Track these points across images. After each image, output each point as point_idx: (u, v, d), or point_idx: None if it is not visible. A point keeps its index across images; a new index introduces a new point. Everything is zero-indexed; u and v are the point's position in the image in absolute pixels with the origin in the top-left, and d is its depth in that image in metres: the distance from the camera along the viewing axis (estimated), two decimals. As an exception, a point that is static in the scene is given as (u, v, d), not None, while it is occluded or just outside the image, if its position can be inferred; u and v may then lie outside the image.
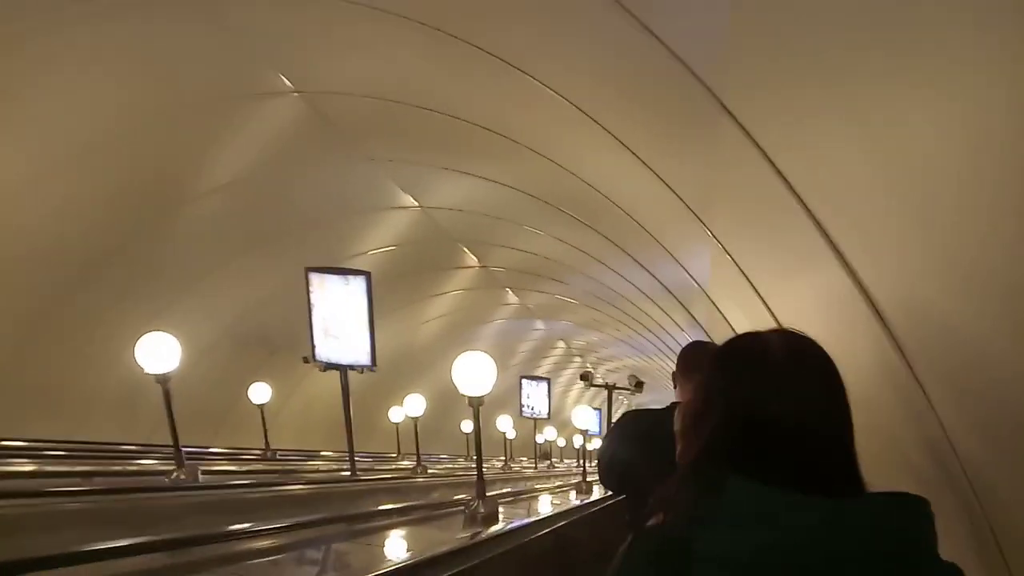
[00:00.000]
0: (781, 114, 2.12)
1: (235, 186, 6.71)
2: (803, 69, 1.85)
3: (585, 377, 8.00)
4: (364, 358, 6.04)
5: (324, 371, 6.47)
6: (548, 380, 11.73)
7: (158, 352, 4.51)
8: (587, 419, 7.11)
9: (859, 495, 1.03)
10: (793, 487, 0.97)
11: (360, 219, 8.66)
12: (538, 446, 14.32)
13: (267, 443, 8.09)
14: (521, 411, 11.74)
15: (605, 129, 4.05)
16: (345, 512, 4.26)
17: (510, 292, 12.72)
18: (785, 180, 2.20)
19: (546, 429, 15.30)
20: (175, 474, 4.45)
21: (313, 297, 6.02)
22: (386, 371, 11.93)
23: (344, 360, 6.11)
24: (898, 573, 0.93)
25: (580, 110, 4.06)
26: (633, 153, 4.04)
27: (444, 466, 10.36)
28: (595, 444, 15.52)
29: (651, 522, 1.10)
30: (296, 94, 5.70)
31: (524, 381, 11.92)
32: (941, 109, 1.35)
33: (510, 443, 14.40)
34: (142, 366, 4.48)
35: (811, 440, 1.03)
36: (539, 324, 14.85)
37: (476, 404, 3.85)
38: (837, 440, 1.07)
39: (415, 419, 8.18)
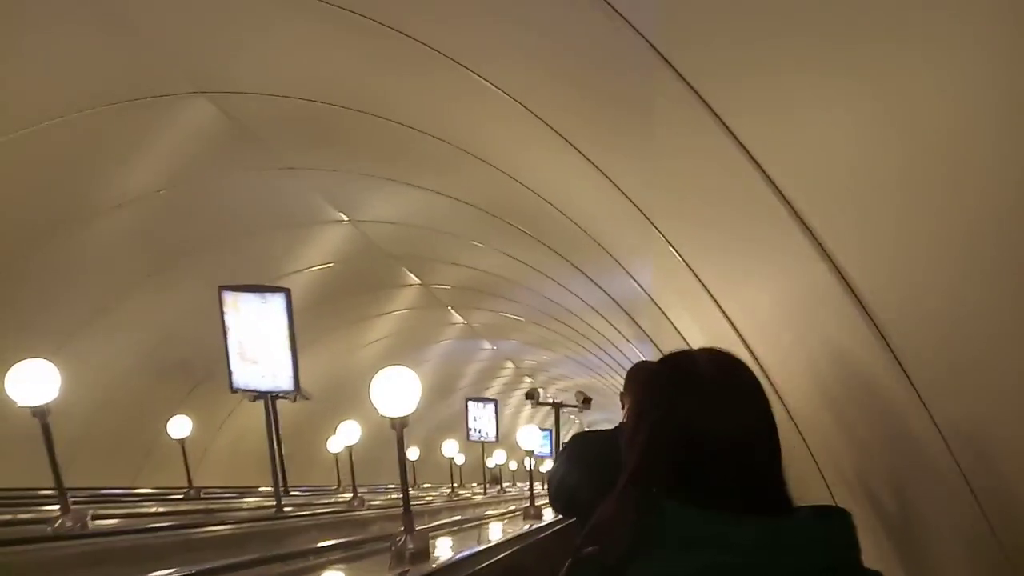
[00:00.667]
0: (756, 99, 1.92)
1: (143, 201, 6.16)
2: (779, 50, 1.67)
3: (531, 395, 7.60)
4: (286, 383, 5.54)
5: (253, 401, 6.05)
6: (495, 401, 11.28)
7: (33, 382, 4.04)
8: (533, 440, 6.72)
9: (787, 511, 1.05)
10: (722, 506, 0.99)
11: (286, 235, 8.13)
12: (487, 471, 13.85)
13: (190, 481, 7.46)
14: (468, 435, 11.26)
15: (549, 126, 3.68)
16: (263, 554, 3.75)
17: (453, 312, 12.30)
18: (762, 171, 1.97)
19: (495, 452, 14.81)
20: (59, 521, 3.90)
21: (228, 319, 5.51)
22: (324, 398, 11.41)
23: (264, 387, 5.60)
24: None
25: (523, 106, 3.67)
26: (579, 151, 3.67)
27: (388, 496, 9.80)
28: (546, 466, 15.14)
29: (587, 549, 1.08)
30: (203, 95, 5.19)
31: (470, 403, 11.47)
32: (932, 90, 1.24)
33: (458, 469, 13.91)
34: (14, 398, 4.01)
35: (740, 456, 1.05)
36: (486, 344, 14.45)
37: (399, 426, 3.41)
38: (765, 456, 1.08)
39: (350, 448, 7.64)
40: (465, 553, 3.94)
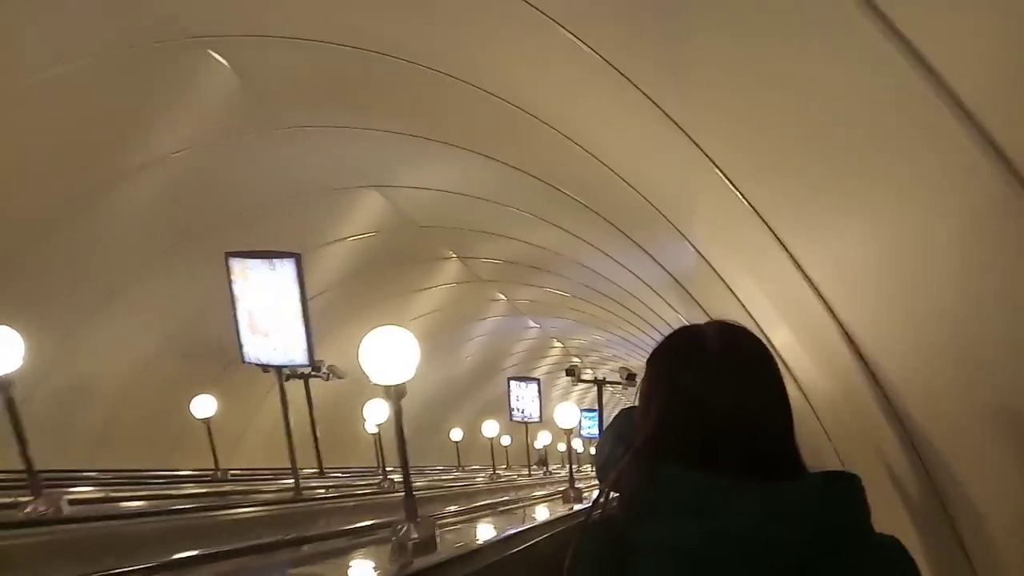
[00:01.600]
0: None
1: (167, 166, 5.83)
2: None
3: (571, 372, 7.05)
4: (300, 356, 5.13)
5: (287, 380, 5.76)
6: (538, 381, 10.78)
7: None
8: (570, 418, 6.19)
9: (796, 478, 1.04)
10: (733, 474, 1.00)
11: (320, 204, 7.65)
12: (532, 452, 13.41)
13: (216, 463, 7.17)
14: (511, 416, 10.78)
15: (614, 68, 3.04)
16: (246, 544, 3.33)
17: (496, 291, 11.83)
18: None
19: (540, 434, 14.33)
20: (31, 506, 3.54)
21: (236, 288, 5.12)
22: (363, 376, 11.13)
23: (276, 360, 5.19)
24: (839, 549, 0.95)
25: (582, 42, 3.06)
26: (650, 100, 2.99)
27: (426, 479, 9.41)
28: (576, 443, 14.49)
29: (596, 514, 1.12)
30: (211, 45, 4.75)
31: (512, 383, 10.98)
32: None
33: (504, 450, 13.50)
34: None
35: (749, 427, 1.05)
36: (531, 323, 13.95)
37: (395, 396, 2.93)
38: (774, 426, 1.08)
39: (378, 428, 7.28)
40: (482, 541, 3.45)
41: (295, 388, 7.06)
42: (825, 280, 2.50)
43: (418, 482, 9.19)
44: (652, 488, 1.02)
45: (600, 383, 7.21)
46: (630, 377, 6.85)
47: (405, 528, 3.09)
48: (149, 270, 7.09)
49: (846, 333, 2.43)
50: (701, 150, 2.88)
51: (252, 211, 7.23)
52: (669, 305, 6.68)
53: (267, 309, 5.09)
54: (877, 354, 2.27)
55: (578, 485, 6.27)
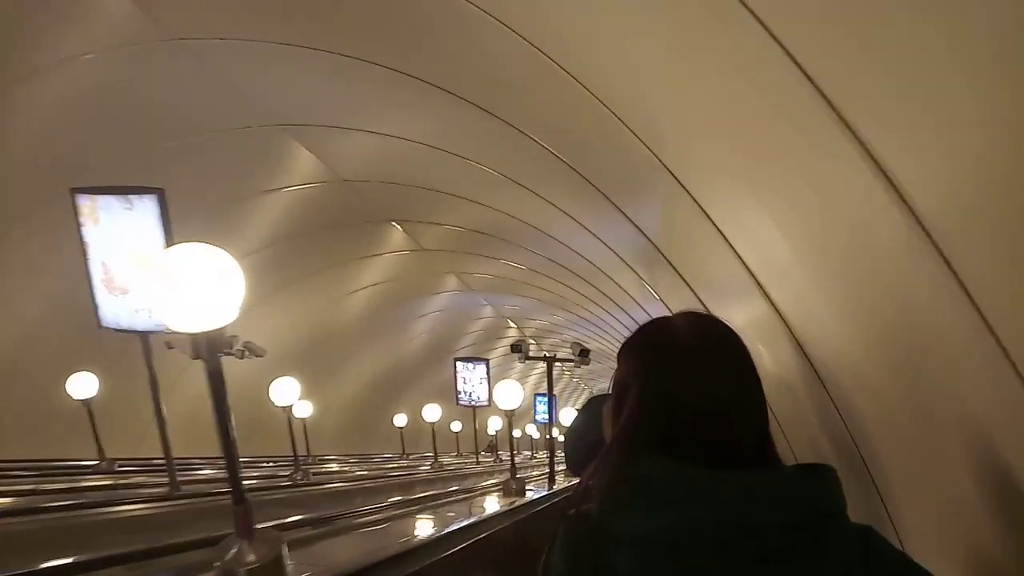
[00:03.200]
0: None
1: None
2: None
3: (518, 348, 6.09)
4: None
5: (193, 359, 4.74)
6: (486, 361, 9.80)
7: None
8: (511, 398, 5.26)
9: (772, 469, 1.06)
10: (708, 466, 1.00)
11: (231, 147, 6.47)
12: (483, 438, 12.46)
13: (101, 452, 6.13)
14: (457, 399, 9.78)
15: None
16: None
17: (446, 264, 10.84)
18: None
19: (492, 419, 13.36)
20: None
21: (86, 232, 4.05)
22: (298, 355, 10.06)
23: (140, 325, 4.15)
24: (813, 539, 0.96)
25: None
26: None
27: (367, 468, 8.43)
28: (531, 430, 13.50)
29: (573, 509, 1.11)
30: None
31: (459, 364, 9.97)
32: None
33: (455, 436, 12.53)
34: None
35: (723, 419, 1.05)
36: (483, 300, 12.99)
37: (209, 349, 1.96)
38: (749, 418, 1.08)
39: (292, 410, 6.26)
40: (366, 561, 2.49)
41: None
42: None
43: (357, 471, 8.23)
44: (628, 480, 1.02)
45: (550, 359, 6.26)
46: (583, 353, 5.91)
47: (235, 548, 2.10)
48: (31, 220, 5.98)
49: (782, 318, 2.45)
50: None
51: (158, 150, 6.12)
52: (642, 280, 5.77)
53: (124, 259, 4.04)
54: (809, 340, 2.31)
55: (520, 475, 5.33)
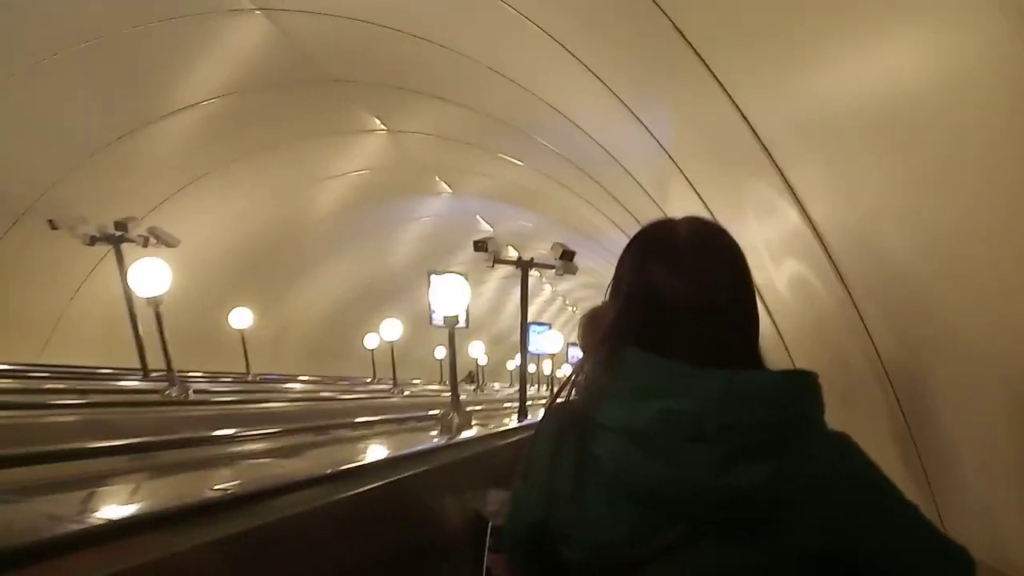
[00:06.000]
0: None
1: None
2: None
3: (483, 245, 4.79)
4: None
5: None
6: (464, 275, 8.45)
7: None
8: (452, 296, 4.03)
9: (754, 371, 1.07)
10: (693, 362, 1.02)
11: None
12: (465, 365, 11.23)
13: None
14: (431, 319, 8.48)
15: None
16: None
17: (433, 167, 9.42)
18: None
19: (472, 345, 12.07)
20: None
21: None
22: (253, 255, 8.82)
23: None
24: (788, 440, 0.97)
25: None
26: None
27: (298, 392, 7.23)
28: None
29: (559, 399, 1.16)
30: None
31: (433, 277, 8.63)
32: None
33: (439, 364, 11.31)
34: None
35: (711, 319, 1.06)
36: (476, 215, 11.59)
37: None
38: (738, 320, 1.10)
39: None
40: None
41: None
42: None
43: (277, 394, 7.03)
44: (612, 372, 1.05)
45: (526, 265, 4.95)
46: (565, 255, 4.60)
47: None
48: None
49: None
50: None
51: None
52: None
53: None
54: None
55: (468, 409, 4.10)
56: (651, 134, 3.76)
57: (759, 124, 2.25)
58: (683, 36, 2.39)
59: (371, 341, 9.72)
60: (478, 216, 11.77)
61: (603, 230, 8.19)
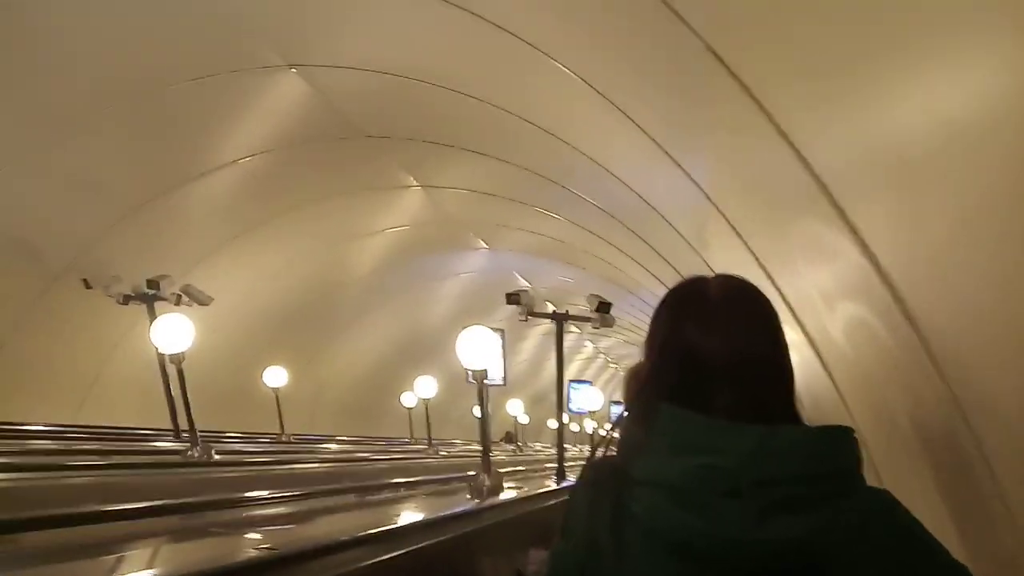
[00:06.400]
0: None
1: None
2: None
3: (516, 299, 4.62)
4: None
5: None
6: (502, 331, 8.26)
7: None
8: (478, 349, 3.83)
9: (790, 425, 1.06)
10: (727, 417, 1.02)
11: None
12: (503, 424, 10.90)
13: None
14: (467, 376, 8.27)
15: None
16: None
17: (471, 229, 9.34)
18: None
19: (510, 403, 11.74)
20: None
21: None
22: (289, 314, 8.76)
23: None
24: (826, 495, 0.96)
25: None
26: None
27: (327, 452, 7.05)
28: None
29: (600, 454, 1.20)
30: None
31: (462, 332, 8.43)
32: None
33: (477, 422, 11.01)
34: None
35: (744, 372, 1.06)
36: (514, 271, 11.44)
37: None
38: (770, 373, 1.10)
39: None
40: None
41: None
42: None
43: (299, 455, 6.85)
44: (647, 427, 1.05)
45: (561, 318, 4.76)
46: (602, 307, 4.39)
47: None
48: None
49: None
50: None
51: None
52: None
53: None
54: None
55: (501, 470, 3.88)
56: (691, 179, 3.59)
57: (816, 161, 2.08)
58: (730, 71, 2.25)
59: (408, 400, 9.53)
60: (515, 272, 11.64)
61: (643, 283, 7.97)
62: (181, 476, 3.69)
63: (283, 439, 7.33)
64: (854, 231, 2.01)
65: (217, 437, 6.53)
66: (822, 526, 0.93)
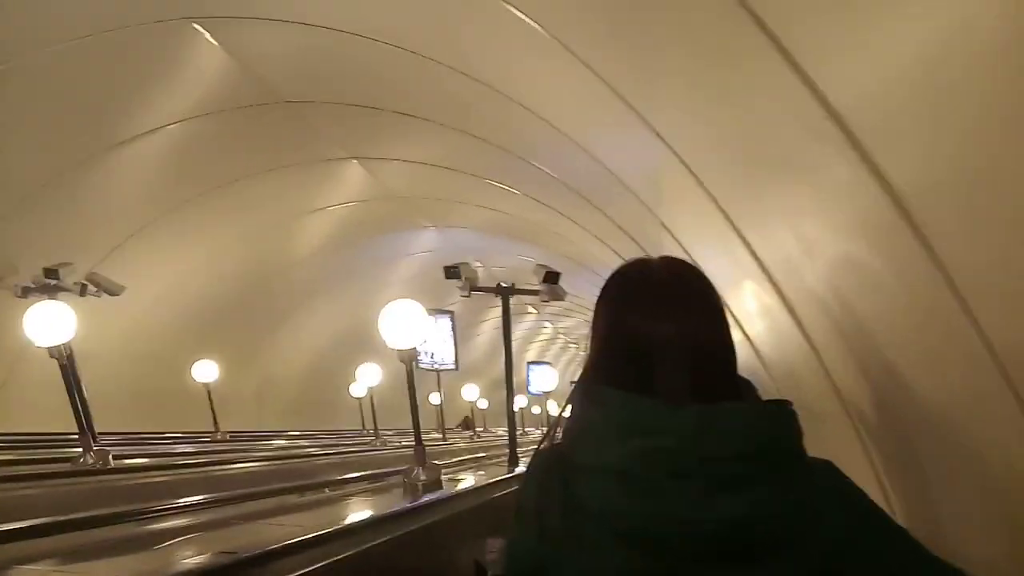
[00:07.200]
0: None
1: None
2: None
3: (455, 272, 4.18)
4: None
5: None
6: (451, 314, 7.84)
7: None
8: (405, 327, 3.40)
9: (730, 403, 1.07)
10: (669, 398, 1.02)
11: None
12: (459, 410, 10.47)
13: None
14: (417, 361, 7.81)
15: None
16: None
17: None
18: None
19: (465, 388, 11.29)
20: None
21: None
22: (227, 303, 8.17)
23: None
24: (769, 469, 0.98)
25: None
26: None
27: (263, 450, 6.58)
28: (522, 402, 11.31)
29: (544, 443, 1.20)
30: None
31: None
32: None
33: (436, 409, 10.58)
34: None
35: (687, 355, 1.06)
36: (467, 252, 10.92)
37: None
38: (712, 354, 1.10)
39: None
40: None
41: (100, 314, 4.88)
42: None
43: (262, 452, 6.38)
44: (590, 412, 1.07)
45: (506, 291, 4.32)
46: (549, 277, 3.97)
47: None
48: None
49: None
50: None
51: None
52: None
53: None
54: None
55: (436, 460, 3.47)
56: (662, 139, 3.13)
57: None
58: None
59: (357, 390, 9.04)
60: (469, 252, 11.15)
61: (605, 261, 7.54)
62: (66, 487, 3.18)
63: (218, 437, 6.80)
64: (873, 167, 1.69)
65: (142, 439, 6.00)
66: (768, 501, 0.96)
